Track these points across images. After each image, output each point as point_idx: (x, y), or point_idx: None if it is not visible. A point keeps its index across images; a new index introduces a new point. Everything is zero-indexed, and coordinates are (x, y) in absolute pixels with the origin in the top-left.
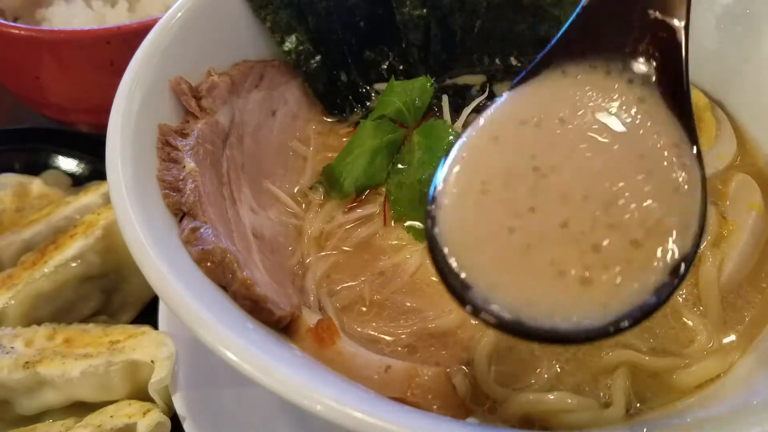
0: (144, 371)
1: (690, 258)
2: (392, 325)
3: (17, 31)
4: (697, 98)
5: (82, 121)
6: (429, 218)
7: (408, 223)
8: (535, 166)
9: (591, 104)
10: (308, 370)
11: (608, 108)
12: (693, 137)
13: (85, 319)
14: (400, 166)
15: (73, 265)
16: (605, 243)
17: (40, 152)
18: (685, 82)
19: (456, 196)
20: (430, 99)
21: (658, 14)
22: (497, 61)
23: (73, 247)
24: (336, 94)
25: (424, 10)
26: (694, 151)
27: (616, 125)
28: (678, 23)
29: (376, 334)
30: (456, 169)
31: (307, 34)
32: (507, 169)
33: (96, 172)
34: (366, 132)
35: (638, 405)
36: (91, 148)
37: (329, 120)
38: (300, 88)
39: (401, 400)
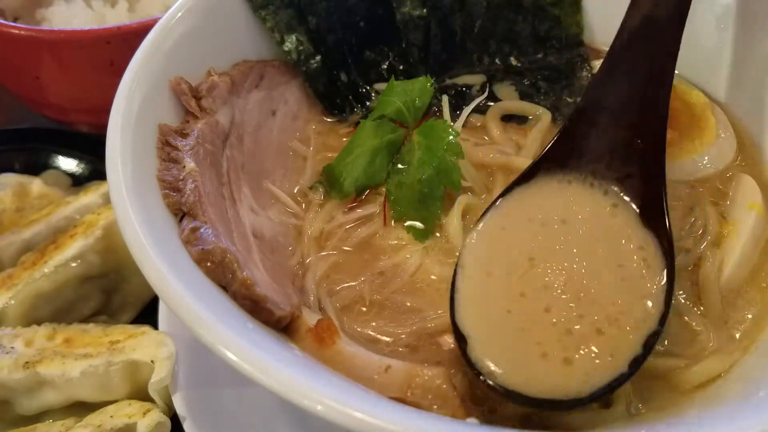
0: (144, 371)
1: (649, 344)
2: (392, 325)
3: (17, 31)
4: (697, 98)
5: (82, 121)
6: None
7: (408, 223)
8: (531, 257)
9: (580, 208)
10: (308, 370)
11: (591, 212)
12: (662, 238)
13: (85, 319)
14: (400, 166)
15: (73, 265)
16: (576, 328)
17: (40, 152)
18: (665, 204)
19: (468, 278)
20: (430, 99)
21: (640, 144)
22: (497, 61)
23: (73, 247)
24: (336, 94)
25: (425, 10)
26: (660, 252)
27: (595, 227)
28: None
29: (376, 334)
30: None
31: (307, 34)
32: (508, 258)
33: (96, 172)
34: (366, 132)
35: (639, 405)
36: (91, 148)
37: (329, 120)
38: (300, 88)
39: (401, 400)
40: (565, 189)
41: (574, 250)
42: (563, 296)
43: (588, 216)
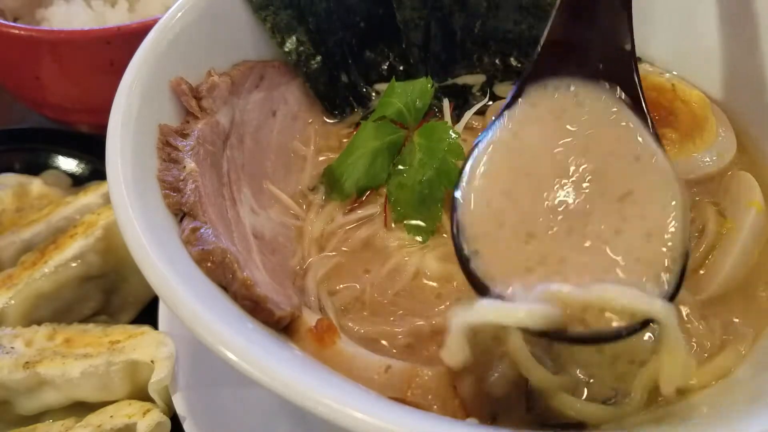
0: (144, 371)
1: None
2: (392, 325)
3: (17, 31)
4: (697, 98)
5: (82, 121)
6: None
7: (408, 223)
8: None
9: (573, 118)
10: (308, 370)
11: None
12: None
13: (85, 319)
14: (400, 167)
15: (73, 265)
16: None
17: (40, 152)
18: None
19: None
20: (430, 100)
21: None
22: (497, 61)
23: (73, 247)
24: (336, 94)
25: (425, 11)
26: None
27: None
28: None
29: (376, 334)
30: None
31: (307, 35)
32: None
33: (96, 172)
34: (367, 133)
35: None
36: (91, 148)
37: (329, 120)
38: (300, 88)
39: (401, 401)
40: (554, 100)
41: (582, 159)
42: (583, 210)
43: (586, 124)
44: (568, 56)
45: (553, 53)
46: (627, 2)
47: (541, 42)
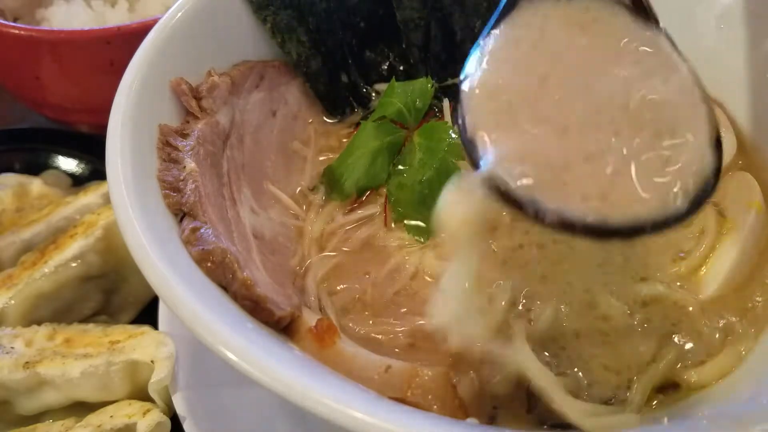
0: (144, 371)
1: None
2: (392, 326)
3: (17, 31)
4: None
5: (82, 121)
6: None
7: (408, 223)
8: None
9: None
10: (308, 370)
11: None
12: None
13: (85, 319)
14: (400, 167)
15: (73, 265)
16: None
17: (40, 152)
18: None
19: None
20: (430, 100)
21: None
22: None
23: (73, 247)
24: (336, 94)
25: (425, 11)
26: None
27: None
28: None
29: (376, 334)
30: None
31: (307, 35)
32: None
33: (96, 172)
34: (367, 133)
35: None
36: (91, 148)
37: (329, 121)
38: (300, 88)
39: (401, 401)
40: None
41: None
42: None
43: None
44: None
45: None
46: None
47: None
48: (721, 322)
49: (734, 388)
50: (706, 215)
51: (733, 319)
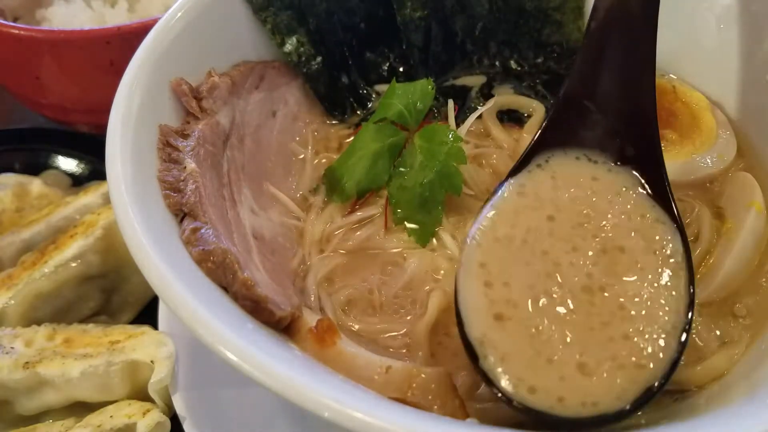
0: (144, 371)
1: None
2: (392, 326)
3: (17, 31)
4: (697, 98)
5: (82, 121)
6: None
7: (408, 225)
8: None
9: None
10: (309, 370)
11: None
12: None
13: (85, 319)
14: (401, 169)
15: (73, 265)
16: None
17: (40, 152)
18: (664, 171)
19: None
20: (431, 102)
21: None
22: (497, 63)
23: (73, 247)
24: (337, 95)
25: (425, 12)
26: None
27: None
28: (650, 127)
29: (376, 334)
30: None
31: (307, 36)
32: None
33: (96, 172)
34: (368, 135)
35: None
36: (91, 148)
37: (329, 121)
38: (300, 89)
39: (401, 401)
40: (562, 173)
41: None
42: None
43: (596, 200)
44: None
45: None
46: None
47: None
48: (718, 323)
49: (731, 388)
50: (701, 219)
51: (730, 319)
